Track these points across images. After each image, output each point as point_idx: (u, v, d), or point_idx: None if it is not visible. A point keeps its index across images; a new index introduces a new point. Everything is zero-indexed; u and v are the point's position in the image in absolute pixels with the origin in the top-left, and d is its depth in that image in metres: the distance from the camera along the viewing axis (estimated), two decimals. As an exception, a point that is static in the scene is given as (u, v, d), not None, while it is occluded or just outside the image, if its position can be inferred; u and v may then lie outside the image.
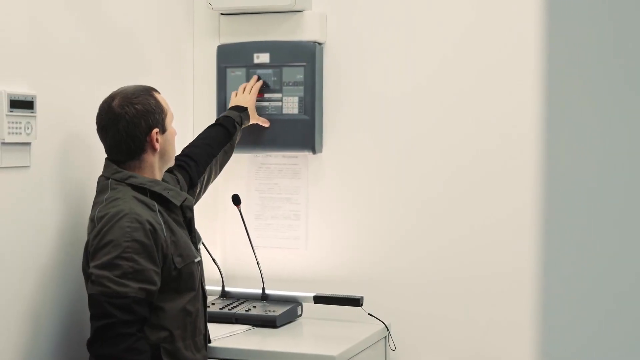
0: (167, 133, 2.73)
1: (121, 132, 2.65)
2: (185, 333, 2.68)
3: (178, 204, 2.73)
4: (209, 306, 3.20)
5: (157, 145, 2.69)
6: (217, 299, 3.35)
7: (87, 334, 2.58)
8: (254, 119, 3.30)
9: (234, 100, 3.31)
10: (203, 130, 3.19)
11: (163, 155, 2.74)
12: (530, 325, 3.09)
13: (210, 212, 3.50)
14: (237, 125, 3.20)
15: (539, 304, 0.98)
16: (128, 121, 2.64)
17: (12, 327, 2.59)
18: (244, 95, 3.30)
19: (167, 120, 2.74)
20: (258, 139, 3.37)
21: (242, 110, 3.25)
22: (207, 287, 3.29)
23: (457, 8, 3.24)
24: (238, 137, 3.22)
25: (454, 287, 3.25)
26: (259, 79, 3.35)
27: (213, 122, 3.23)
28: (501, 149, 3.18)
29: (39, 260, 2.68)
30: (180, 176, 2.94)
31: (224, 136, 3.15)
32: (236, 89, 3.36)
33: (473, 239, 3.22)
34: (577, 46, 0.86)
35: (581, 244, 0.95)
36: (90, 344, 2.53)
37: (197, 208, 3.36)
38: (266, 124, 3.33)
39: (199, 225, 3.39)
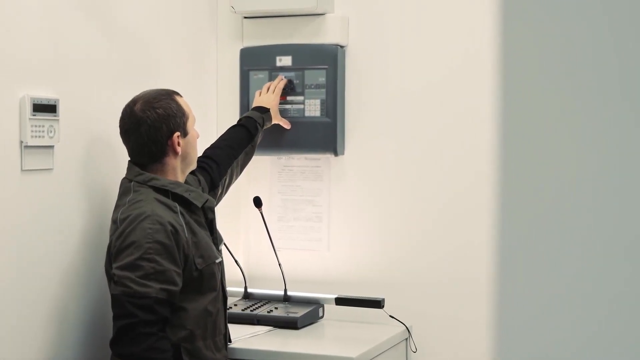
0: (188, 136, 2.76)
1: (143, 136, 2.68)
2: (205, 333, 2.71)
3: (199, 205, 2.75)
4: (230, 307, 3.23)
5: (179, 149, 2.72)
6: (239, 300, 3.37)
7: (110, 333, 2.62)
8: (276, 120, 3.32)
9: (257, 100, 3.33)
10: (225, 131, 3.22)
11: (185, 159, 2.77)
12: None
13: (233, 214, 3.53)
14: (259, 127, 3.22)
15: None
16: (150, 125, 2.68)
17: (38, 326, 2.63)
18: (268, 96, 3.32)
19: (189, 123, 2.77)
20: (280, 142, 3.39)
21: (264, 111, 3.27)
22: (230, 289, 3.33)
23: (477, 10, 3.24)
24: (259, 138, 3.24)
25: (476, 289, 3.25)
26: (283, 78, 3.37)
27: (235, 122, 3.26)
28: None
29: (63, 262, 2.72)
30: (201, 178, 2.97)
31: (246, 137, 3.17)
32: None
33: (495, 240, 3.21)
34: (534, 73, 0.89)
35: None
36: (113, 343, 2.57)
37: (220, 210, 3.39)
38: (287, 126, 3.36)
39: (222, 227, 3.42)
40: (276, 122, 3.33)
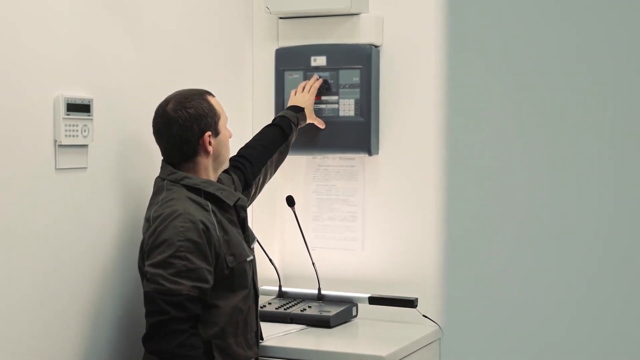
0: (220, 136, 2.79)
1: (175, 135, 2.72)
2: (236, 330, 2.73)
3: (231, 203, 2.78)
4: (264, 305, 3.26)
5: (210, 148, 2.75)
6: (274, 298, 3.39)
7: (143, 329, 2.66)
8: (311, 119, 3.33)
9: (293, 100, 3.34)
10: (259, 130, 3.24)
11: (217, 158, 2.80)
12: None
13: (269, 213, 3.56)
14: (293, 126, 3.23)
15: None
16: (181, 125, 2.71)
17: (73, 321, 2.68)
18: (303, 95, 3.34)
19: (221, 123, 2.80)
20: (315, 141, 3.41)
21: (299, 110, 3.29)
22: (265, 287, 3.35)
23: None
24: (294, 138, 3.26)
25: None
26: (318, 78, 3.39)
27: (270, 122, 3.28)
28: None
29: (97, 259, 2.76)
30: (235, 176, 3.00)
31: (280, 137, 3.19)
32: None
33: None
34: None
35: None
36: (145, 339, 2.61)
37: (256, 209, 3.41)
38: (322, 125, 3.37)
39: (258, 226, 3.45)
40: (311, 122, 3.34)
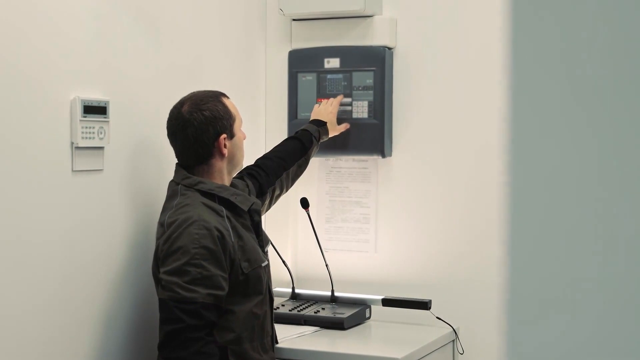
0: (235, 138, 2.78)
1: (190, 137, 2.71)
2: (252, 335, 2.72)
3: (246, 209, 2.76)
4: (278, 307, 3.26)
5: (225, 151, 2.74)
6: (287, 300, 3.39)
7: (156, 333, 2.65)
8: (333, 132, 3.31)
9: (315, 112, 3.33)
10: (280, 142, 3.23)
11: (231, 160, 2.79)
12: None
13: (282, 215, 3.56)
14: (314, 140, 3.22)
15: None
16: (196, 127, 2.70)
17: (85, 327, 2.67)
18: (325, 107, 3.33)
19: (236, 125, 2.79)
20: (329, 143, 3.40)
21: (321, 124, 3.28)
22: (278, 289, 3.35)
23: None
24: (314, 152, 3.24)
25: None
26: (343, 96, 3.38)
27: (286, 132, 3.28)
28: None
29: (111, 262, 2.76)
30: (250, 182, 2.98)
31: (299, 150, 3.18)
32: (307, 93, 3.41)
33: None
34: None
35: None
36: (161, 347, 2.59)
37: (269, 211, 3.41)
38: (347, 127, 3.35)
39: (271, 228, 3.45)
40: (334, 134, 3.33)
